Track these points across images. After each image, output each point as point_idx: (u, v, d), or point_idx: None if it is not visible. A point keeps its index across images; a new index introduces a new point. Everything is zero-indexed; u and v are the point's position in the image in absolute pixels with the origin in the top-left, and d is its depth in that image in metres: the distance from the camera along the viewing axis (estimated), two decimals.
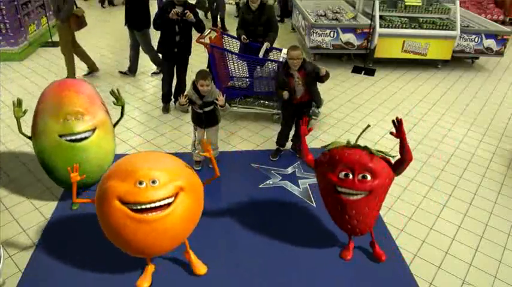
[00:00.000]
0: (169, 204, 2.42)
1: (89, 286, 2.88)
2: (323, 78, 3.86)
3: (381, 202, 2.86)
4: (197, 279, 2.94)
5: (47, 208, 3.59)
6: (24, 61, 6.68)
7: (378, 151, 2.80)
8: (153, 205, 2.37)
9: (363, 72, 6.92)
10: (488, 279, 3.08)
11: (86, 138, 3.28)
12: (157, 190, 2.37)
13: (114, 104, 3.68)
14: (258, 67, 4.99)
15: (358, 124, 5.21)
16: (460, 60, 7.42)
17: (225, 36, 5.50)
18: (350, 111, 5.54)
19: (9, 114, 5.15)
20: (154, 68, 6.51)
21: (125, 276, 2.95)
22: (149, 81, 6.29)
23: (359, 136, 2.92)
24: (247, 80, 5.25)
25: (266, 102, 5.11)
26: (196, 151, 4.07)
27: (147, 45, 6.05)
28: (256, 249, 3.22)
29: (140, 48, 6.16)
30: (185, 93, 3.84)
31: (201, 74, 3.69)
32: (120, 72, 6.40)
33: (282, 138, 4.35)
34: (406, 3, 7.12)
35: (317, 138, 4.84)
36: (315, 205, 3.73)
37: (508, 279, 3.08)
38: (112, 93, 3.64)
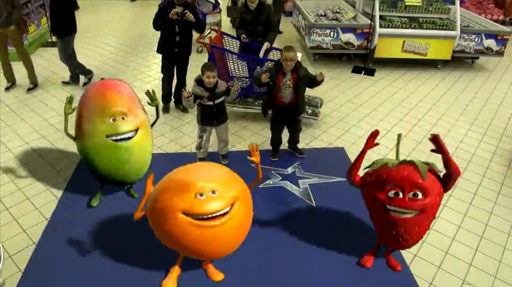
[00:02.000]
0: (225, 213, 2.53)
1: (89, 286, 2.87)
2: (318, 83, 3.87)
3: (431, 220, 2.78)
4: (197, 278, 2.94)
5: (47, 208, 3.59)
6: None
7: (424, 163, 2.72)
8: (215, 215, 2.48)
9: (363, 72, 6.92)
10: (488, 279, 3.08)
11: (130, 138, 3.34)
12: (217, 200, 2.48)
13: (149, 104, 3.73)
14: (258, 67, 4.99)
15: (358, 124, 5.21)
16: (460, 60, 7.42)
17: (225, 36, 5.50)
18: (350, 111, 5.54)
19: (10, 114, 5.15)
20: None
21: (125, 276, 2.95)
22: (149, 81, 6.29)
23: (398, 150, 2.91)
24: (247, 80, 5.25)
25: None
26: (202, 151, 4.15)
27: (65, 53, 5.68)
28: (256, 249, 3.22)
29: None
30: (187, 89, 3.83)
31: (207, 66, 3.73)
32: (64, 83, 6.10)
33: (274, 143, 4.37)
34: (406, 3, 7.12)
35: (317, 139, 4.84)
36: (315, 205, 3.73)
37: (508, 279, 3.08)
38: (147, 93, 3.70)
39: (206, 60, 5.37)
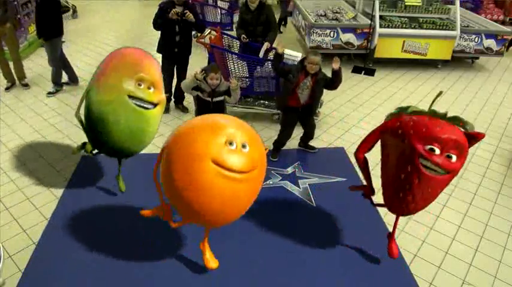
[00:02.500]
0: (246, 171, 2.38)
1: (89, 286, 2.87)
2: (336, 80, 3.92)
3: (444, 187, 2.64)
4: (197, 278, 2.94)
5: (47, 208, 3.59)
6: (24, 61, 6.66)
7: (466, 123, 2.56)
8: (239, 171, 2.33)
9: (363, 72, 6.92)
10: (488, 279, 3.08)
11: (148, 109, 3.23)
12: (246, 157, 2.35)
13: None
14: (258, 67, 4.99)
15: (358, 124, 5.21)
16: (460, 60, 7.42)
17: (225, 36, 5.50)
18: (350, 111, 5.54)
19: (9, 114, 5.15)
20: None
21: (125, 276, 2.95)
22: None
23: (432, 102, 2.75)
24: (247, 80, 5.25)
25: (266, 102, 5.11)
26: None
27: (54, 57, 5.55)
28: (256, 249, 3.22)
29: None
30: (199, 71, 3.80)
31: (212, 67, 3.81)
32: (64, 83, 5.96)
33: (280, 144, 4.38)
34: (406, 3, 7.13)
35: (317, 139, 4.83)
36: (315, 205, 3.73)
37: (508, 279, 3.08)
38: None
39: (206, 60, 5.38)
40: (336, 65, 3.85)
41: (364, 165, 2.97)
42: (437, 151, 2.45)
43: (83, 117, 3.39)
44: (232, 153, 2.31)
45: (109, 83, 3.15)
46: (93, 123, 3.27)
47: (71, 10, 9.70)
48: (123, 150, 3.38)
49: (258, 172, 2.47)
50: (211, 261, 2.90)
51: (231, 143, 2.32)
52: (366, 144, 2.91)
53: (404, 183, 2.58)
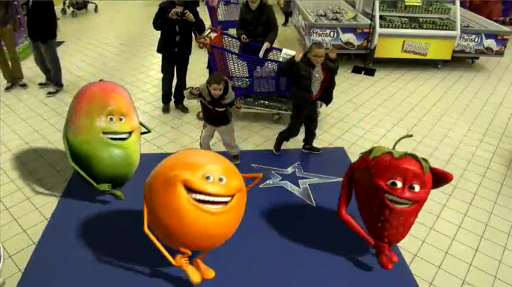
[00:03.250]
0: (225, 203, 2.55)
1: (89, 286, 2.87)
2: (332, 64, 3.96)
3: (416, 216, 2.86)
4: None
5: (47, 208, 3.59)
6: (24, 61, 6.67)
7: (424, 159, 2.78)
8: (215, 199, 2.50)
9: (363, 72, 6.92)
10: (488, 279, 3.08)
11: (124, 139, 3.44)
12: (222, 187, 2.51)
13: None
14: (258, 67, 4.99)
15: (358, 124, 5.21)
16: (460, 60, 7.42)
17: (225, 36, 5.50)
18: (350, 111, 5.54)
19: (10, 114, 5.15)
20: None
21: (125, 276, 2.95)
22: (149, 81, 6.29)
23: (397, 142, 2.95)
24: (247, 80, 5.25)
25: (266, 102, 5.11)
26: (203, 148, 4.14)
27: (52, 57, 5.58)
28: (256, 249, 3.22)
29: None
30: (197, 87, 3.82)
31: (214, 78, 3.68)
32: (41, 84, 5.92)
33: (285, 138, 4.39)
34: (406, 3, 7.12)
35: (317, 139, 4.83)
36: (315, 205, 3.73)
37: (508, 279, 3.08)
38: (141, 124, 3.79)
39: (206, 60, 5.38)
40: (333, 54, 3.92)
41: (349, 221, 3.07)
42: (399, 184, 2.68)
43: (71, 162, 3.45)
44: (207, 183, 2.49)
45: (82, 125, 3.38)
46: (80, 162, 3.43)
47: (94, 4, 10.20)
48: (113, 180, 3.55)
49: (239, 197, 2.62)
50: (208, 272, 2.90)
51: (208, 178, 2.49)
52: (342, 199, 3.09)
53: (379, 215, 2.80)
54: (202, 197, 2.48)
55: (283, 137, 4.40)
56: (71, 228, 3.36)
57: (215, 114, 3.88)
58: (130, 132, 3.47)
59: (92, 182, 3.46)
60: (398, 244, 3.31)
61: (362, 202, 3.00)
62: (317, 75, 3.97)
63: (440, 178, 2.81)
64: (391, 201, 2.72)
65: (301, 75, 3.93)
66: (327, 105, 4.69)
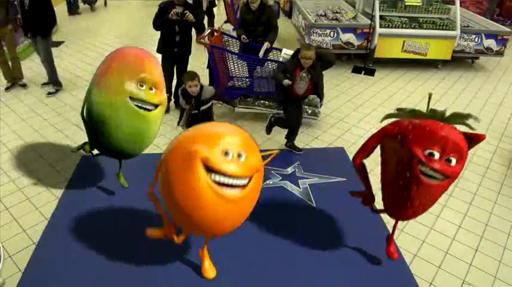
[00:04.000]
0: (244, 186, 2.37)
1: (89, 286, 2.88)
2: (325, 57, 3.97)
3: (447, 189, 2.58)
4: (197, 278, 2.93)
5: (47, 208, 3.59)
6: (24, 61, 6.68)
7: (463, 115, 2.53)
8: (234, 182, 2.31)
9: (363, 72, 6.92)
10: (488, 279, 3.08)
11: (149, 110, 3.23)
12: (242, 166, 2.32)
13: None
14: (258, 67, 4.99)
15: (358, 124, 5.21)
16: (460, 60, 7.42)
17: (225, 36, 5.50)
18: (350, 111, 5.54)
19: (10, 114, 5.15)
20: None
21: (125, 276, 2.95)
22: None
23: (429, 103, 2.72)
24: (247, 80, 5.25)
25: (266, 102, 5.11)
26: None
27: (49, 53, 5.55)
28: (256, 249, 3.22)
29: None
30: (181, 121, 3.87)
31: (187, 76, 3.72)
32: (44, 84, 5.92)
33: (293, 124, 4.37)
34: (406, 3, 7.13)
35: (317, 139, 4.84)
36: (315, 205, 3.73)
37: (508, 279, 3.08)
38: None
39: (206, 60, 5.38)
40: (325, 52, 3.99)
41: (362, 171, 2.93)
42: (437, 155, 2.38)
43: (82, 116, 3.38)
44: (226, 160, 2.28)
45: (110, 85, 3.13)
46: (94, 124, 3.26)
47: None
48: (123, 151, 3.38)
49: (257, 177, 2.44)
50: (210, 271, 2.93)
51: (226, 154, 2.29)
52: (365, 149, 2.84)
53: (403, 190, 2.53)
54: (221, 178, 2.28)
55: (277, 123, 4.43)
56: (71, 228, 3.36)
57: (202, 116, 3.82)
58: (157, 106, 3.25)
59: (87, 144, 3.38)
60: (398, 244, 3.32)
61: (387, 171, 2.70)
62: (304, 74, 3.95)
63: (472, 141, 2.53)
64: (424, 174, 2.41)
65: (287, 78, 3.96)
66: (320, 101, 4.74)
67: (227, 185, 2.30)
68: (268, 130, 4.51)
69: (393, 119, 2.76)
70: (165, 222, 2.79)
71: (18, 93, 5.73)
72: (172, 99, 5.38)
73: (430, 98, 2.74)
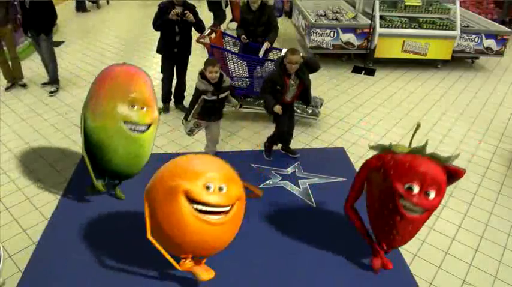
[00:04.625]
0: (226, 212, 2.55)
1: (89, 286, 2.87)
2: (312, 65, 3.86)
3: (426, 220, 2.73)
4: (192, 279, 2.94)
5: (47, 208, 3.59)
6: (24, 61, 6.68)
7: (441, 157, 2.61)
8: (216, 209, 2.49)
9: (363, 72, 6.92)
10: (488, 279, 3.08)
11: (142, 131, 3.26)
12: (223, 196, 2.50)
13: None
14: (258, 67, 4.99)
15: (358, 124, 5.21)
16: (460, 60, 7.42)
17: (225, 36, 5.50)
18: (350, 111, 5.54)
19: (10, 114, 5.15)
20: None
21: (125, 276, 2.95)
22: None
23: (412, 138, 2.83)
24: (247, 80, 5.25)
25: None
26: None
27: (53, 51, 5.60)
28: (256, 249, 3.22)
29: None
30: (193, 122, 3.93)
31: (209, 62, 3.74)
32: (44, 84, 5.91)
33: (284, 133, 4.27)
34: (406, 3, 7.12)
35: (317, 139, 4.84)
36: (315, 205, 3.73)
37: (508, 279, 3.08)
38: None
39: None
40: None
41: (356, 218, 3.01)
42: (416, 189, 2.52)
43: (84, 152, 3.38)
44: (208, 193, 2.46)
45: (103, 110, 3.18)
46: (92, 150, 3.30)
47: None
48: (121, 174, 3.47)
49: (239, 204, 2.62)
50: (206, 273, 2.90)
51: (208, 188, 2.46)
52: (352, 192, 2.98)
53: (388, 219, 2.68)
54: (203, 207, 2.47)
55: (272, 142, 4.34)
56: (71, 228, 3.36)
57: (219, 103, 3.90)
58: (149, 125, 3.29)
59: (93, 178, 3.36)
60: None
61: (372, 202, 2.86)
62: (292, 82, 3.85)
63: (451, 175, 2.62)
64: (405, 207, 2.56)
65: (276, 90, 3.85)
66: (306, 107, 4.73)
67: (210, 213, 2.49)
68: (268, 153, 4.39)
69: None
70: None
71: (18, 93, 5.73)
72: (173, 99, 5.39)
73: (417, 129, 2.85)
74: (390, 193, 2.59)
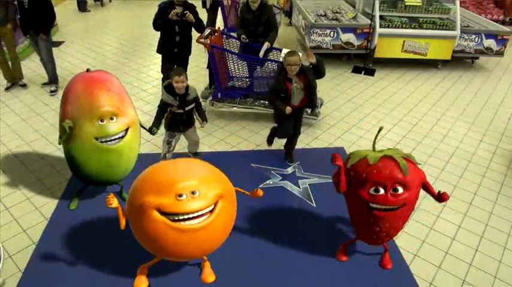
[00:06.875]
0: (210, 211, 2.45)
1: (88, 286, 2.87)
2: (319, 68, 3.77)
3: (411, 211, 2.79)
4: (196, 278, 2.94)
5: (47, 208, 3.59)
6: (24, 61, 6.68)
7: (401, 154, 2.68)
8: (195, 215, 2.38)
9: (363, 72, 6.92)
10: (488, 279, 3.08)
11: (120, 138, 3.23)
12: (198, 200, 2.38)
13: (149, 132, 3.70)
14: (258, 67, 4.99)
15: (358, 124, 5.21)
16: (460, 60, 7.42)
17: (225, 36, 5.50)
18: (350, 111, 5.54)
19: (10, 114, 5.15)
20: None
21: (125, 276, 2.95)
22: (149, 81, 6.29)
23: (374, 142, 2.87)
24: (247, 80, 5.25)
25: (266, 102, 5.11)
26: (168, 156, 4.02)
27: (51, 51, 5.61)
28: (256, 249, 3.22)
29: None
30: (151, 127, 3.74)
31: (175, 71, 3.63)
32: (44, 84, 5.94)
33: (287, 134, 4.17)
34: (406, 3, 7.13)
35: (317, 139, 4.84)
36: (315, 205, 3.73)
37: (508, 279, 3.08)
38: (141, 126, 3.59)
39: (206, 60, 5.38)
40: (312, 59, 3.69)
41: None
42: (382, 191, 2.59)
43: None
44: (181, 202, 2.35)
45: (72, 134, 3.14)
46: (73, 165, 3.35)
47: None
48: (104, 181, 3.45)
49: (223, 202, 2.51)
50: (209, 275, 2.94)
51: (180, 196, 2.36)
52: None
53: (367, 221, 2.75)
54: (180, 217, 2.37)
55: (273, 134, 4.32)
56: (71, 228, 3.36)
57: (186, 116, 3.80)
58: (126, 130, 3.25)
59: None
60: (398, 244, 3.32)
61: (349, 208, 2.95)
62: (295, 85, 3.76)
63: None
64: (377, 209, 2.64)
65: (281, 97, 3.80)
66: (310, 111, 4.70)
67: (189, 219, 2.39)
68: (270, 142, 4.36)
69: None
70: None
71: (18, 93, 5.73)
72: None
73: (378, 132, 2.89)
74: (358, 199, 2.69)
